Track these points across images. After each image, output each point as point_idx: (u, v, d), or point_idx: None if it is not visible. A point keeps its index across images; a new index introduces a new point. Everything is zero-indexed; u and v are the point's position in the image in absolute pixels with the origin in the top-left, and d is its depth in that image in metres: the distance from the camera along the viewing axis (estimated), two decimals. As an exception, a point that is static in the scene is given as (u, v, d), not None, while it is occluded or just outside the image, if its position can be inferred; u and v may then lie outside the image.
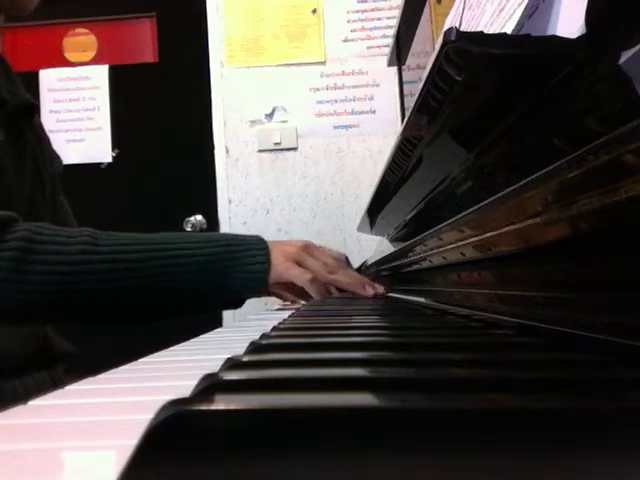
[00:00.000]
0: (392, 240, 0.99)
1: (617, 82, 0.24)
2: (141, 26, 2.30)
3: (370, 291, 0.76)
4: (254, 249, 0.69)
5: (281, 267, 0.69)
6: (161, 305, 0.67)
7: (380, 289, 0.81)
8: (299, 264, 0.72)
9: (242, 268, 0.67)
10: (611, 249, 0.27)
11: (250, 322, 0.71)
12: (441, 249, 0.56)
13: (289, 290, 0.79)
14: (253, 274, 0.67)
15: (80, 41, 2.30)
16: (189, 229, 2.14)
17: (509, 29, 0.38)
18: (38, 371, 0.78)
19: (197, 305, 0.69)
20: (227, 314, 2.04)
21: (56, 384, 0.78)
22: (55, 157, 0.95)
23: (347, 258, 0.97)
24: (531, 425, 0.13)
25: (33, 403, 0.22)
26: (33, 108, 0.86)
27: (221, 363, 0.23)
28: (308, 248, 0.75)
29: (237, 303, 0.71)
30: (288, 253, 0.72)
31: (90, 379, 0.28)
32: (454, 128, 0.45)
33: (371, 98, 2.13)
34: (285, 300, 0.85)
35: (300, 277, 0.71)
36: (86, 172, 2.16)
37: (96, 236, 0.63)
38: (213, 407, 0.13)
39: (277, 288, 0.77)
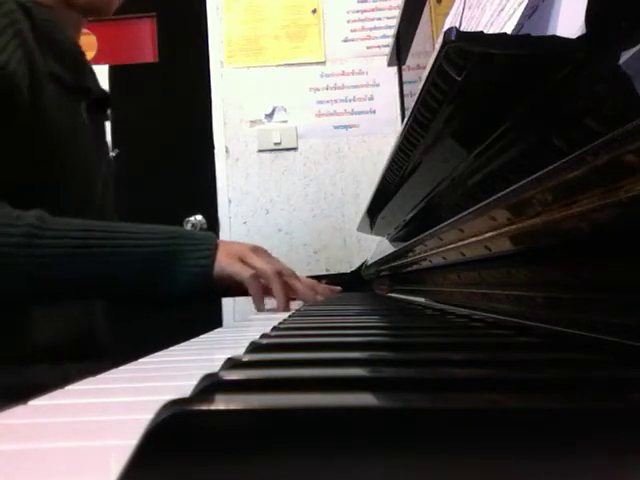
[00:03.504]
0: (392, 240, 0.99)
1: (617, 82, 0.24)
2: (141, 26, 2.30)
3: (283, 307, 0.76)
4: (200, 244, 0.71)
5: (224, 262, 0.71)
6: (99, 291, 0.69)
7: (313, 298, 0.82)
8: (243, 262, 0.73)
9: (185, 262, 0.69)
10: (611, 249, 0.27)
11: (250, 322, 0.71)
12: (441, 249, 0.56)
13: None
14: (196, 268, 0.69)
15: (80, 41, 2.29)
16: (189, 229, 2.14)
17: (509, 29, 0.38)
18: (84, 360, 0.78)
19: (137, 294, 0.71)
20: (227, 314, 2.03)
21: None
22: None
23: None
24: (531, 425, 0.13)
25: (33, 403, 0.22)
26: (109, 100, 0.93)
27: (221, 363, 0.23)
28: (257, 250, 0.77)
29: (186, 299, 0.72)
30: (234, 251, 0.74)
31: (90, 379, 0.28)
32: (454, 128, 0.45)
33: (371, 98, 2.13)
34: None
35: (241, 272, 0.72)
36: (86, 172, 2.16)
37: (44, 219, 0.65)
38: (213, 407, 0.13)
39: (227, 285, 0.76)
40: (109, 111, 0.95)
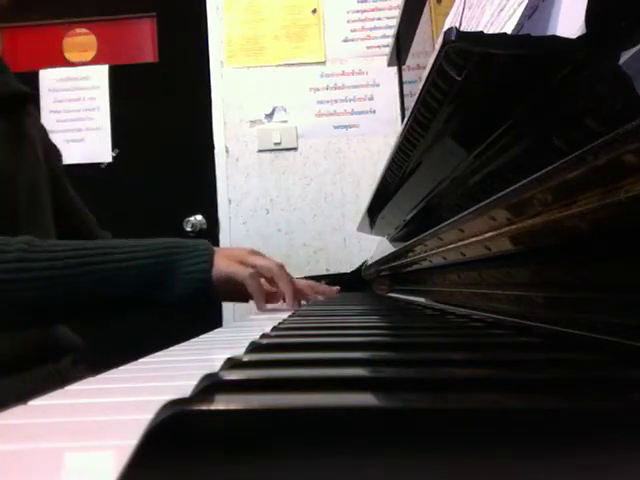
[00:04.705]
0: (392, 240, 0.99)
1: (617, 82, 0.24)
2: (141, 26, 2.30)
3: (291, 304, 0.77)
4: (197, 251, 0.71)
5: (223, 265, 0.71)
6: (98, 308, 0.69)
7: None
8: (242, 263, 0.74)
9: (184, 269, 0.69)
10: (611, 249, 0.27)
11: (250, 322, 0.71)
12: (441, 249, 0.56)
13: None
14: (195, 274, 0.70)
15: (80, 41, 2.29)
16: (189, 229, 2.14)
17: (509, 29, 0.38)
18: (43, 364, 0.78)
19: (137, 305, 0.71)
20: (227, 314, 2.03)
21: (62, 377, 0.79)
22: (54, 148, 0.97)
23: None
24: (531, 425, 0.13)
25: (33, 403, 0.22)
26: (26, 97, 0.89)
27: (221, 363, 0.23)
28: (254, 252, 0.78)
29: (186, 305, 0.72)
30: (232, 254, 0.75)
31: (90, 379, 0.28)
32: (454, 128, 0.45)
33: (371, 98, 2.13)
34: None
35: (240, 271, 0.72)
36: (86, 172, 2.16)
37: (34, 243, 0.65)
38: (213, 407, 0.13)
39: (228, 289, 0.75)
40: (31, 108, 0.90)
